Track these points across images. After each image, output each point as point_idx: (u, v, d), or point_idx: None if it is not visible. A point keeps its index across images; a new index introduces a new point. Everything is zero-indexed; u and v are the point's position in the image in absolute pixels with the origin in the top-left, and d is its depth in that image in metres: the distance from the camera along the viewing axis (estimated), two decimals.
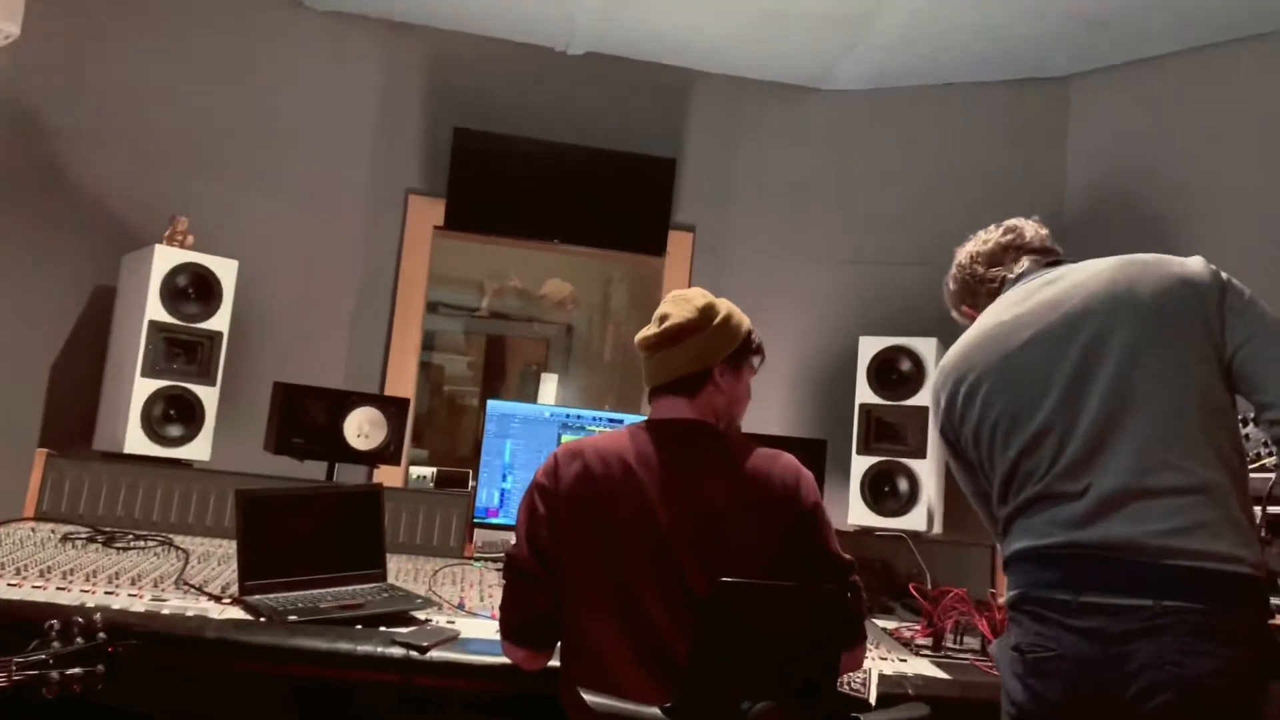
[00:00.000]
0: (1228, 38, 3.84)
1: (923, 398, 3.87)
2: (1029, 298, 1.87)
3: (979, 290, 2.06)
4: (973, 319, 2.06)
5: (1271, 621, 1.65)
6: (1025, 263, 1.99)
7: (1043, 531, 1.70)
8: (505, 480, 3.11)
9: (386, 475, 3.92)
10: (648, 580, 1.75)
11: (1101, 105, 4.27)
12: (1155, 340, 1.70)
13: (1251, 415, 2.14)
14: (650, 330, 1.94)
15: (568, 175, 4.50)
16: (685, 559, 1.75)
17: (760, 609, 1.64)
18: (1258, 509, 1.87)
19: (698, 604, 1.70)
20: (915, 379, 3.90)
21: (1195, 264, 1.77)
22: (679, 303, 1.95)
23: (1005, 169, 4.36)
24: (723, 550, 1.76)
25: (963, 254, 2.11)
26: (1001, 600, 1.84)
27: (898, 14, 3.97)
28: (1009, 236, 2.05)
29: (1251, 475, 1.76)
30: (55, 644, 1.61)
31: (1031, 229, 2.06)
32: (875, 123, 4.63)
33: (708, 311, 1.92)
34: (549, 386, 6.13)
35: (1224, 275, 1.75)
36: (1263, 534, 2.03)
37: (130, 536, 2.79)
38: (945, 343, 3.91)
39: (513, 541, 1.91)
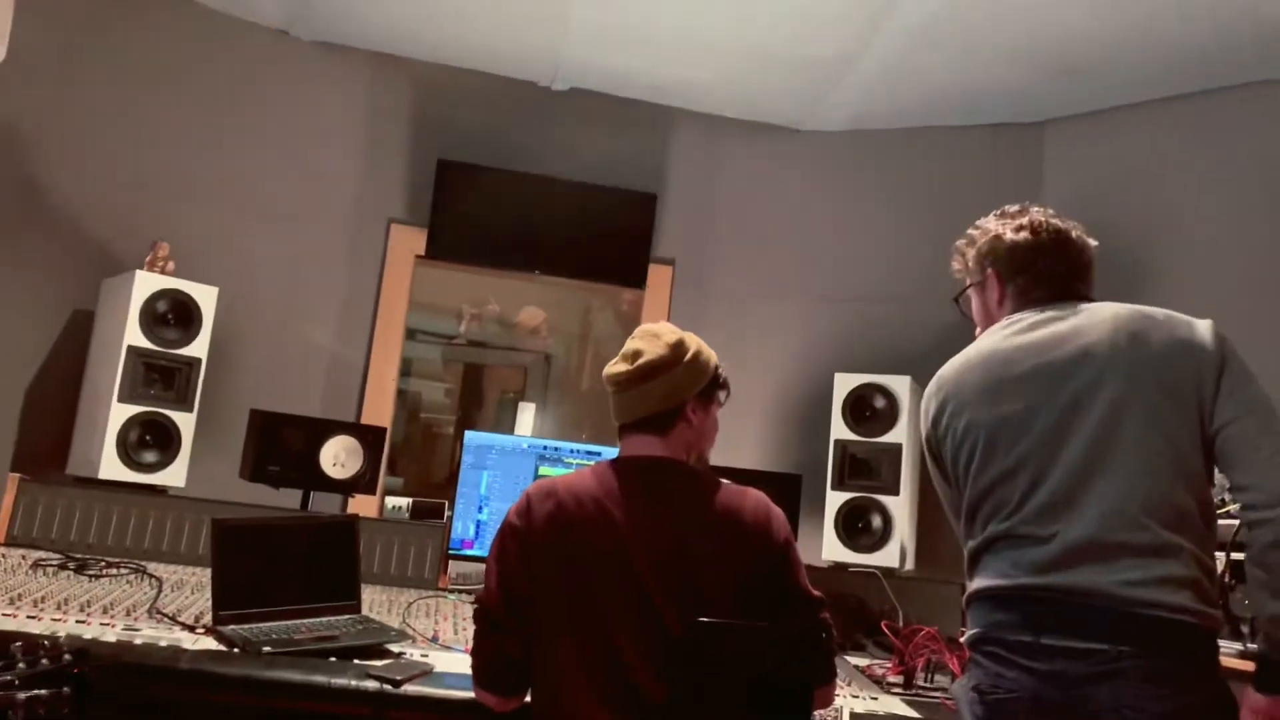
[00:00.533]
0: (1196, 89, 3.94)
1: (897, 434, 3.91)
2: (1034, 329, 1.87)
3: (1018, 277, 1.97)
4: (985, 285, 2.00)
5: (1227, 664, 1.69)
6: (1043, 290, 1.94)
7: (1005, 573, 1.73)
8: (481, 512, 3.12)
9: (361, 504, 3.91)
10: (622, 621, 1.75)
11: (1075, 151, 4.35)
12: (1144, 400, 1.72)
13: None
14: (621, 367, 1.93)
15: (550, 208, 4.53)
16: (659, 599, 1.75)
17: (735, 648, 1.66)
18: (1221, 554, 1.91)
19: (671, 644, 1.71)
20: (889, 416, 3.94)
21: (1203, 332, 1.77)
22: (649, 339, 1.94)
23: (981, 211, 4.38)
24: (697, 591, 1.77)
25: (1041, 226, 1.97)
26: (963, 639, 1.85)
27: (876, 60, 4.04)
28: (1081, 258, 1.97)
29: (1220, 522, 1.80)
30: (20, 665, 1.61)
31: (1092, 264, 1.98)
32: (853, 163, 4.70)
33: (678, 348, 1.92)
34: (526, 416, 6.13)
35: (1228, 348, 1.75)
36: (1227, 579, 2.07)
37: (103, 564, 2.78)
38: (919, 380, 3.96)
39: (484, 583, 1.89)
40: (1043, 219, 1.99)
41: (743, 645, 1.67)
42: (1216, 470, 1.73)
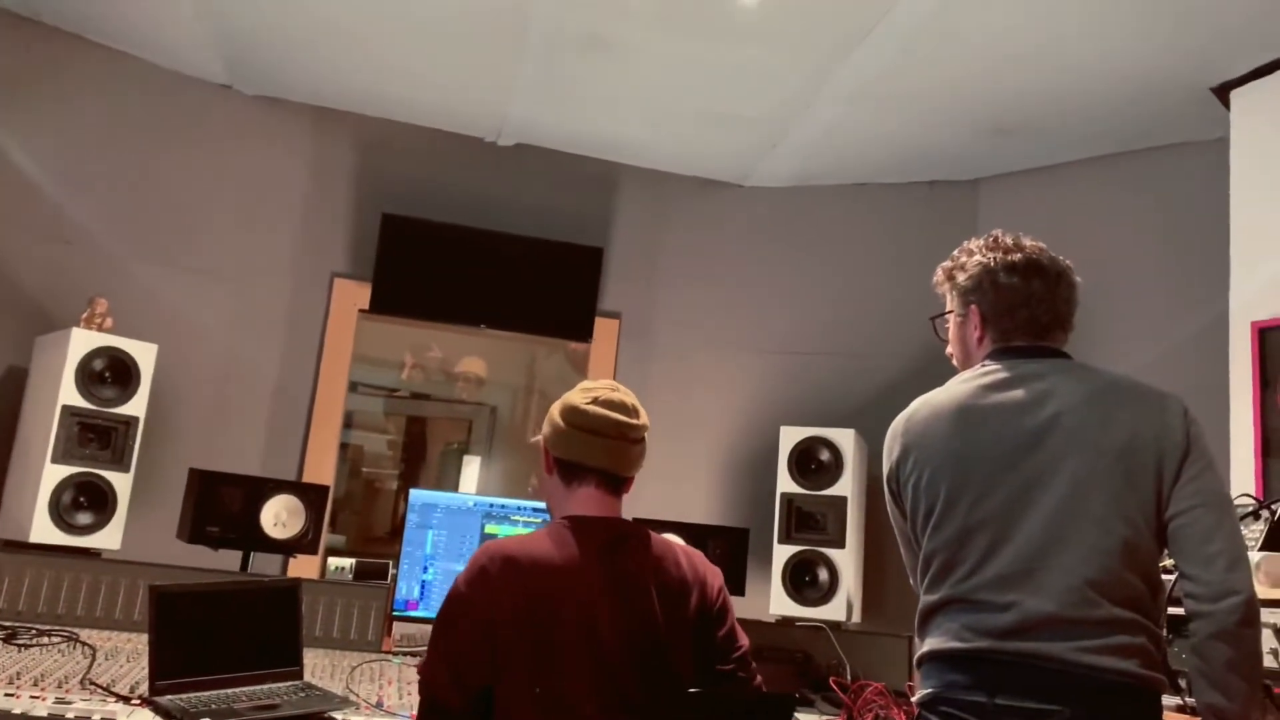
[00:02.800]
0: (1124, 149, 4.10)
1: (842, 487, 3.95)
2: (1008, 388, 1.84)
3: (1002, 320, 1.93)
4: (970, 319, 1.96)
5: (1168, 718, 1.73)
6: (1018, 340, 1.92)
7: (960, 636, 1.74)
8: (427, 572, 3.08)
9: (303, 564, 3.84)
10: (591, 699, 1.70)
11: (1009, 207, 4.48)
12: (1106, 480, 1.73)
13: None
14: (630, 419, 1.89)
15: (495, 262, 4.54)
16: (628, 676, 1.73)
17: (721, 716, 1.67)
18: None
19: (637, 717, 1.70)
20: (834, 469, 3.97)
21: (1173, 416, 1.77)
22: (630, 396, 1.93)
23: (919, 265, 4.49)
24: (664, 666, 1.76)
25: (1033, 269, 1.92)
26: (914, 699, 1.85)
27: (814, 120, 4.14)
28: (1067, 306, 1.95)
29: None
30: None
31: (1075, 307, 1.97)
32: (794, 218, 4.79)
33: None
34: (471, 469, 6.08)
35: (1195, 432, 1.76)
36: (1164, 633, 2.11)
37: (33, 632, 2.68)
38: (863, 434, 4.01)
39: (428, 663, 1.76)
40: (1037, 258, 1.93)
41: (731, 712, 1.68)
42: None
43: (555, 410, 1.94)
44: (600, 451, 1.88)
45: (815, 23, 3.45)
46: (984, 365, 1.92)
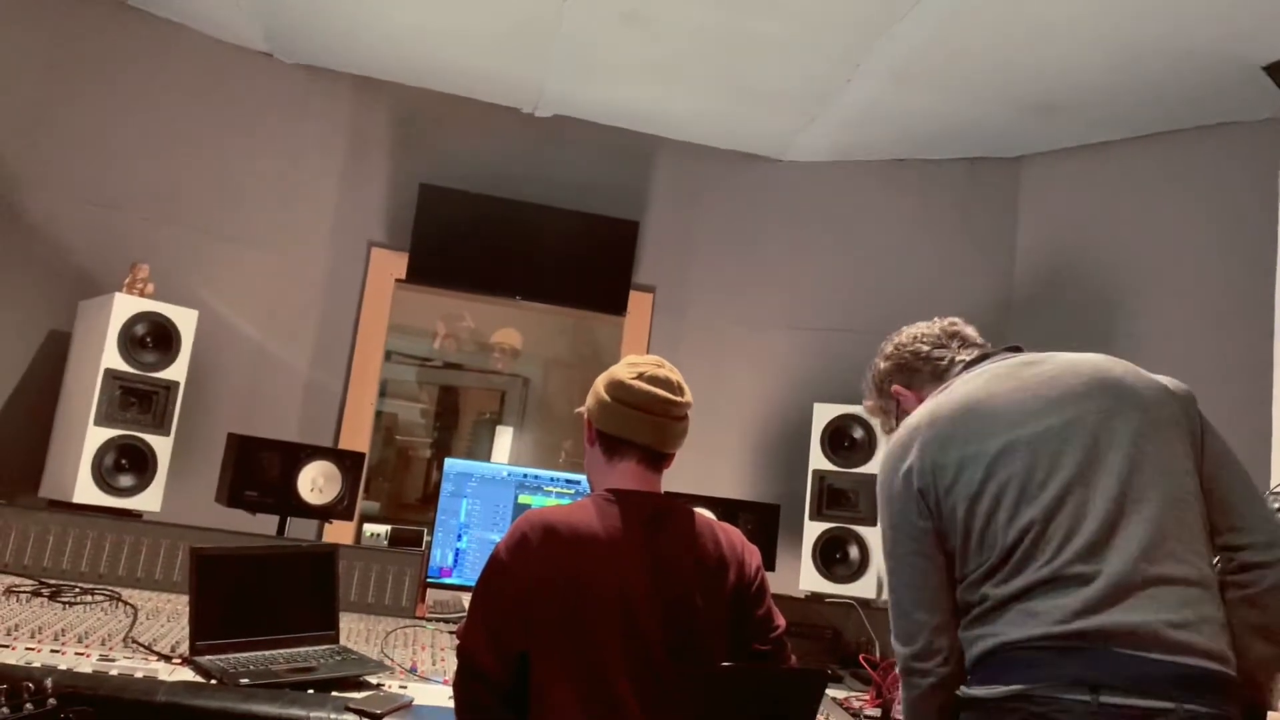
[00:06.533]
0: (1170, 128, 4.02)
1: (874, 465, 3.93)
2: (1013, 375, 1.80)
3: (920, 370, 1.99)
4: (901, 400, 2.00)
5: None
6: (974, 351, 1.96)
7: (1053, 618, 1.61)
8: (461, 540, 3.11)
9: (338, 530, 3.89)
10: (623, 670, 1.72)
11: (1051, 186, 4.42)
12: (1155, 432, 1.70)
13: None
14: (674, 396, 1.90)
15: (531, 234, 4.55)
16: (660, 648, 1.74)
17: (753, 691, 1.68)
18: None
19: (670, 692, 1.72)
20: (867, 447, 3.96)
21: (1173, 381, 1.79)
22: (676, 373, 1.95)
23: (957, 243, 4.49)
24: (696, 640, 1.77)
25: (902, 335, 2.06)
26: (977, 692, 1.66)
27: (855, 96, 4.09)
28: (954, 327, 2.02)
29: None
30: (3, 709, 1.59)
31: (971, 328, 2.04)
32: (832, 194, 4.75)
33: None
34: (504, 440, 6.11)
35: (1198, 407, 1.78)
36: None
37: (77, 590, 2.74)
38: None
39: (467, 625, 1.80)
40: (909, 327, 2.08)
41: (759, 688, 1.69)
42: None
43: (600, 384, 1.94)
44: (643, 427, 1.88)
45: None
46: (980, 367, 1.90)
